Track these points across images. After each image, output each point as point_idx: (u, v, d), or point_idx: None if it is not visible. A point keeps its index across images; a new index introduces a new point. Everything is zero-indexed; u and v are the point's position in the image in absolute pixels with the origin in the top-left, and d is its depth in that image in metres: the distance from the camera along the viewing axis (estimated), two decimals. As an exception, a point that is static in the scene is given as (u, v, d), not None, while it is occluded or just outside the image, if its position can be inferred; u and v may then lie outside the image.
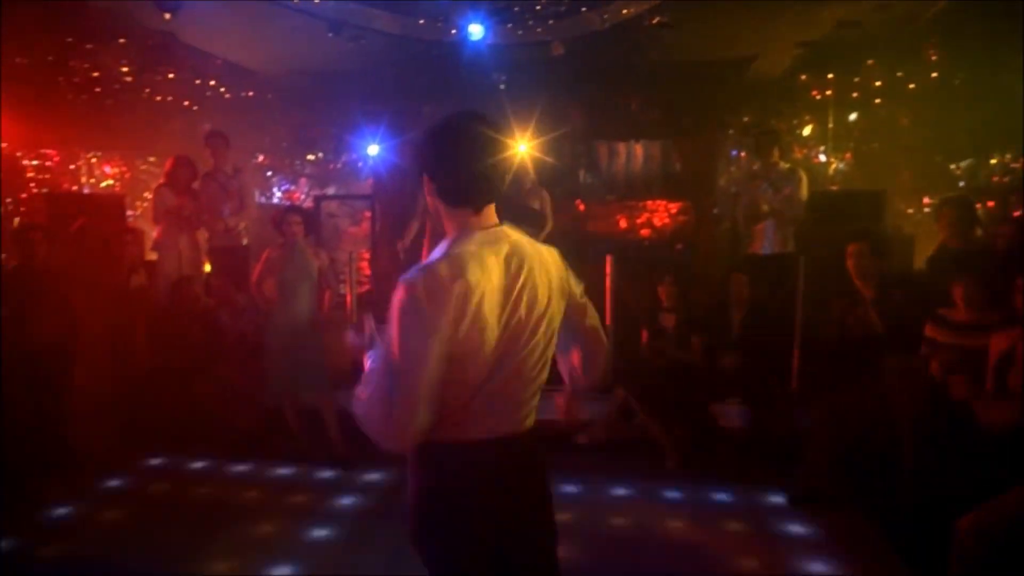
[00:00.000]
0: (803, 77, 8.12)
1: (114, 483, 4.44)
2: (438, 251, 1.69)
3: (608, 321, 5.54)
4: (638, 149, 9.20)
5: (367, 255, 8.39)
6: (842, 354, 4.00)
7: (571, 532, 3.76)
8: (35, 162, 8.86)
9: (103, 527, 3.88)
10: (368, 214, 8.67)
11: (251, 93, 9.07)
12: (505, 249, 1.68)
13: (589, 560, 3.48)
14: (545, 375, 1.77)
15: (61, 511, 4.03)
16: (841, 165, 8.31)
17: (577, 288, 1.87)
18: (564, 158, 8.60)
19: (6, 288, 4.38)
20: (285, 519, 3.93)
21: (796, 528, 3.77)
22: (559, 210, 7.09)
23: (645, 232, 8.36)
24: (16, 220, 7.83)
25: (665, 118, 8.68)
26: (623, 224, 8.44)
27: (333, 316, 5.02)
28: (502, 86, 8.06)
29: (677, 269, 5.34)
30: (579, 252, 7.11)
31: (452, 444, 1.68)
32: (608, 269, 5.58)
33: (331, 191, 10.01)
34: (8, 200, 8.37)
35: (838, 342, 4.02)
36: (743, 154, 8.99)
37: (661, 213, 8.46)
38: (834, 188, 7.86)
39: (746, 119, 8.76)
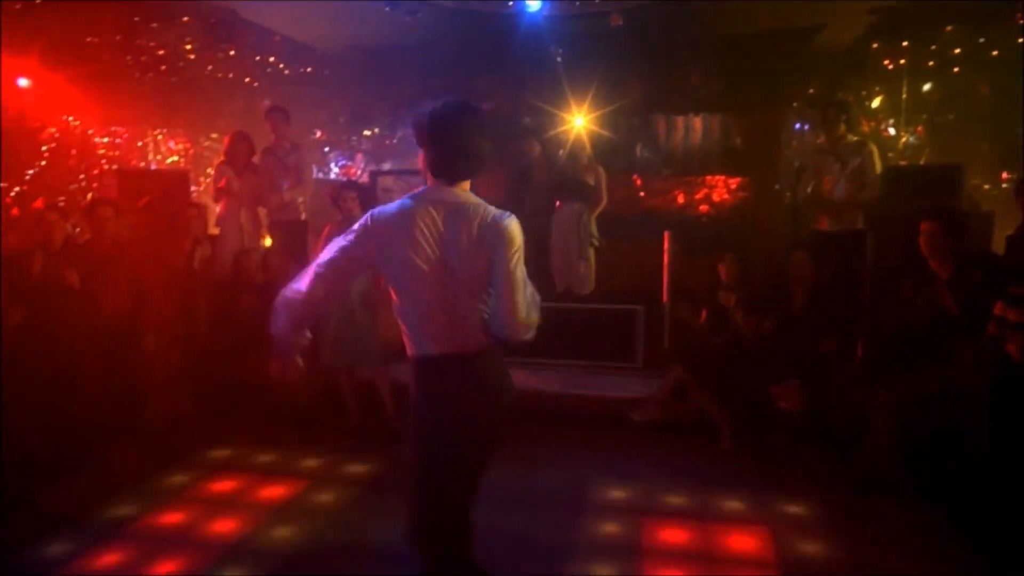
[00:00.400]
0: (875, 45, 7.74)
1: (178, 448, 4.62)
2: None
3: (664, 298, 5.46)
4: (697, 123, 8.98)
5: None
6: (912, 337, 3.84)
7: (624, 511, 3.75)
8: (106, 139, 9.18)
9: (166, 489, 4.05)
10: (423, 189, 8.69)
11: (309, 69, 9.18)
12: (446, 207, 2.10)
13: (641, 540, 3.45)
14: (480, 308, 2.13)
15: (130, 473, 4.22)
16: (912, 138, 7.93)
17: (507, 256, 2.10)
18: (620, 132, 8.46)
19: (80, 261, 4.56)
20: (339, 490, 4.01)
21: (857, 518, 3.65)
22: (615, 185, 6.98)
23: (703, 208, 8.18)
24: (89, 196, 8.14)
25: (726, 91, 8.43)
26: (681, 200, 8.27)
27: (388, 291, 5.06)
28: (559, 58, 7.94)
29: (738, 246, 5.20)
30: (636, 228, 7.04)
31: (418, 359, 2.17)
32: (666, 245, 5.48)
33: (387, 166, 10.08)
34: (81, 176, 8.70)
35: (908, 324, 3.86)
36: (807, 128, 8.68)
37: (720, 189, 8.26)
38: (903, 163, 7.52)
39: (811, 91, 8.43)
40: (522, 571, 3.14)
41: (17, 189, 7.84)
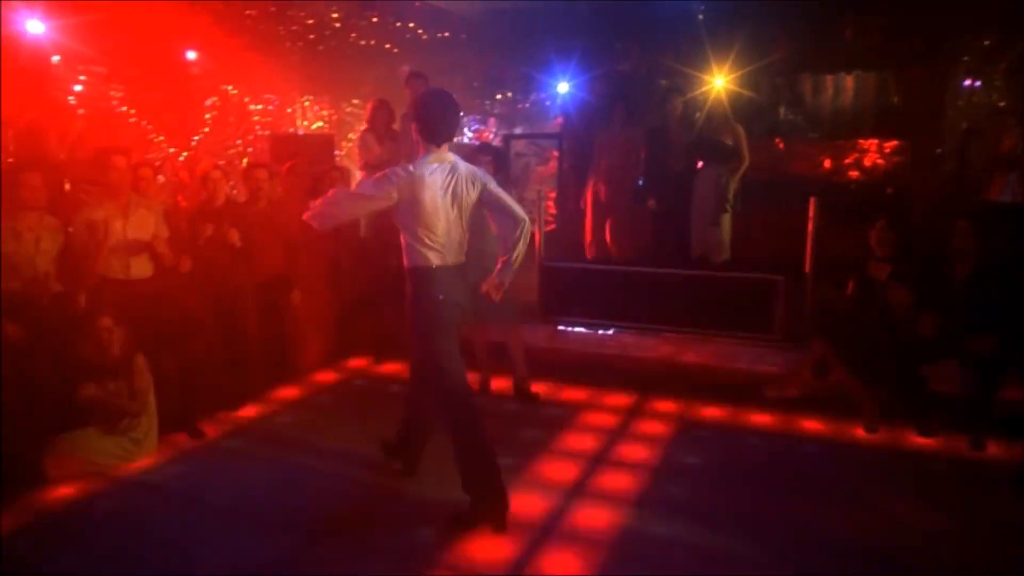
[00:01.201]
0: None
1: (323, 397, 4.95)
2: (414, 162, 3.15)
3: (807, 268, 5.18)
4: (848, 82, 8.32)
5: (552, 194, 8.44)
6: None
7: (755, 484, 3.65)
8: (259, 106, 9.82)
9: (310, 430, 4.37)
10: (555, 153, 8.68)
11: (446, 34, 9.33)
12: (446, 165, 3.16)
13: (776, 519, 3.36)
14: (464, 232, 3.29)
15: (283, 419, 4.58)
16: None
17: (490, 184, 3.30)
18: (763, 93, 8.01)
19: (239, 220, 4.91)
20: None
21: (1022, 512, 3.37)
22: (757, 148, 6.65)
23: (853, 173, 7.63)
24: (245, 160, 8.76)
25: (884, 46, 7.72)
26: (828, 164, 7.76)
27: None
28: (700, 16, 7.59)
29: (892, 214, 4.82)
30: (778, 194, 6.69)
31: (427, 268, 3.20)
32: (811, 213, 5.18)
33: (518, 130, 10.13)
34: (238, 141, 9.38)
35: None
36: (978, 85, 7.83)
37: (873, 153, 7.66)
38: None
39: (986, 43, 7.58)
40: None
41: (185, 154, 8.59)
